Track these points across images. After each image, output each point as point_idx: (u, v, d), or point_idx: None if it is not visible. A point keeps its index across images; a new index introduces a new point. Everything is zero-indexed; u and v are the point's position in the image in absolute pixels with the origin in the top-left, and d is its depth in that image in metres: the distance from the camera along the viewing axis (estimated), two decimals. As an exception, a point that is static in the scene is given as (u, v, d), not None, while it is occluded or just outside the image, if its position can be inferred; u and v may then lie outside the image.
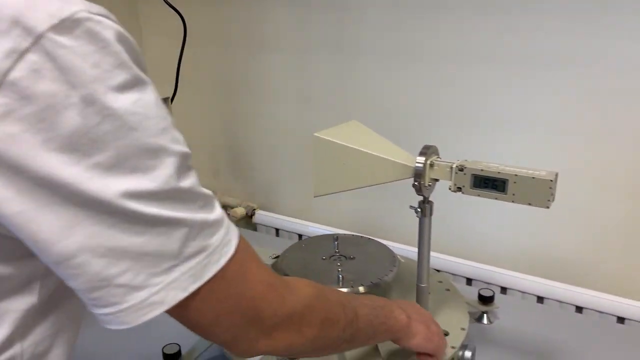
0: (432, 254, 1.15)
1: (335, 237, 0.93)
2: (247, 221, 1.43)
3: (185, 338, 0.87)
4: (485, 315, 0.95)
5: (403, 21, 1.09)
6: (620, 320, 1.00)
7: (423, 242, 0.78)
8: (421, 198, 0.76)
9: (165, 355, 0.81)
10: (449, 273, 1.15)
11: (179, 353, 0.81)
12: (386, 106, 1.17)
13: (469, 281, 1.14)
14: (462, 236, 1.17)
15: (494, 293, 0.95)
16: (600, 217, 1.02)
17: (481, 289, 0.96)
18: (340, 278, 0.83)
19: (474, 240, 1.16)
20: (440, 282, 0.95)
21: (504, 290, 1.10)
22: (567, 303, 1.04)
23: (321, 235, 0.97)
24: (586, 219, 1.03)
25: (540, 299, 1.07)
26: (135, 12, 1.42)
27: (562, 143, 1.01)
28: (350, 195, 1.28)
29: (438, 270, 1.13)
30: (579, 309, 1.03)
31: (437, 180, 0.76)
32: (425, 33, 1.08)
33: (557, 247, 1.07)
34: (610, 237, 1.02)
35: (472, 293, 0.97)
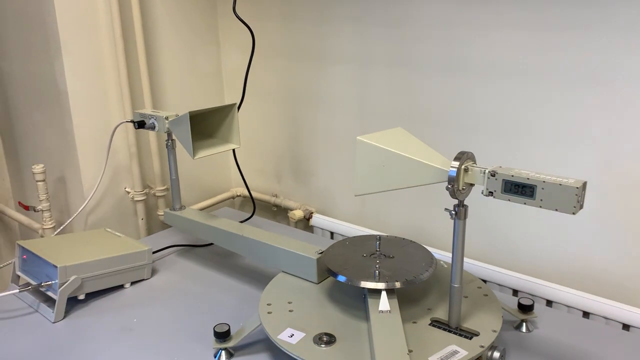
0: (480, 264, 1.20)
1: (378, 238, 0.98)
2: (305, 223, 1.51)
3: (234, 319, 0.96)
4: (524, 323, 0.97)
5: (452, 38, 1.14)
6: (669, 341, 0.98)
7: (457, 244, 0.82)
8: (456, 201, 0.80)
9: (216, 333, 0.89)
10: (496, 284, 1.17)
11: (228, 332, 0.89)
12: (435, 116, 1.21)
13: (515, 292, 1.15)
14: (511, 249, 1.18)
15: (533, 302, 0.97)
16: (652, 234, 1.00)
17: (521, 297, 0.98)
18: (377, 274, 0.88)
19: (522, 253, 1.17)
20: (480, 287, 0.97)
21: (549, 303, 1.10)
22: (613, 320, 1.03)
23: (365, 235, 1.02)
24: (637, 235, 1.02)
25: (586, 314, 1.06)
26: (215, 27, 1.56)
27: (609, 156, 1.01)
28: (403, 203, 1.33)
29: (485, 281, 1.16)
30: (626, 327, 1.02)
31: (472, 185, 0.79)
32: (471, 49, 1.12)
33: (606, 262, 1.06)
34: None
35: (516, 303, 0.98)
